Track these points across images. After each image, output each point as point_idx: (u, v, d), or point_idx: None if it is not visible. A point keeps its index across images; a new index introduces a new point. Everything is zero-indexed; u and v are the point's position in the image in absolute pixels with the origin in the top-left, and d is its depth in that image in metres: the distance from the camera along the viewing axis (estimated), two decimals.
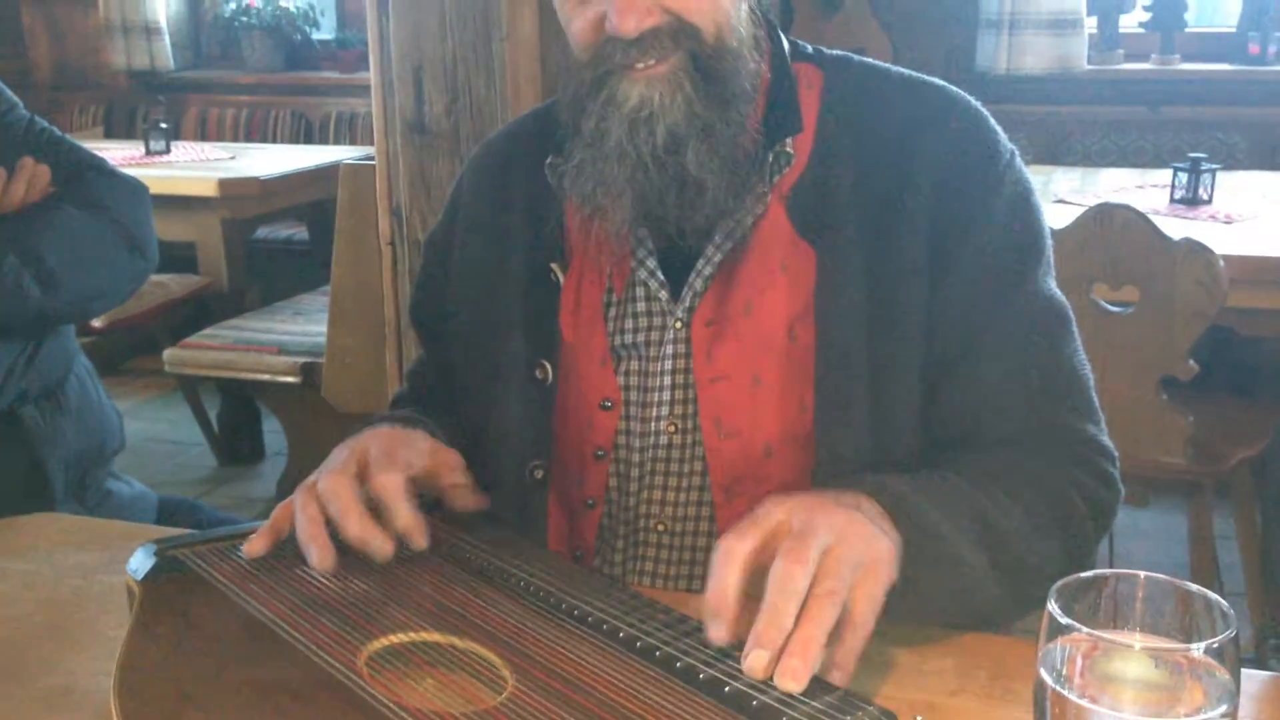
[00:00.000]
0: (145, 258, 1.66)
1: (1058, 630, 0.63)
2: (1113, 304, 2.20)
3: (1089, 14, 3.85)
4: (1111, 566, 2.68)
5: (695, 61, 1.01)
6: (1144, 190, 2.95)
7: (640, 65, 1.00)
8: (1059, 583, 0.65)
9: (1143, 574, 0.66)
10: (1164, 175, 2.92)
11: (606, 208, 1.04)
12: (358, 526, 0.95)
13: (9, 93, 1.66)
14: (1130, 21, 3.94)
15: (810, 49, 1.14)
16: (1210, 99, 3.75)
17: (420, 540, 0.98)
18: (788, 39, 1.13)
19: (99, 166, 1.67)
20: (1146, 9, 3.86)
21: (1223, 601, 0.63)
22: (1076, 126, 3.89)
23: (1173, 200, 2.77)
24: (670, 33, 1.00)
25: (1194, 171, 2.75)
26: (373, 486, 0.97)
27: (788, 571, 0.78)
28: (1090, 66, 3.86)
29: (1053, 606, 0.64)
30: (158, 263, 1.71)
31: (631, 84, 1.01)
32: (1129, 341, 2.16)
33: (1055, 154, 3.84)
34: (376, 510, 0.97)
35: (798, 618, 0.76)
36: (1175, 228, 2.28)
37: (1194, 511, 2.39)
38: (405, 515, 0.97)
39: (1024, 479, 1.01)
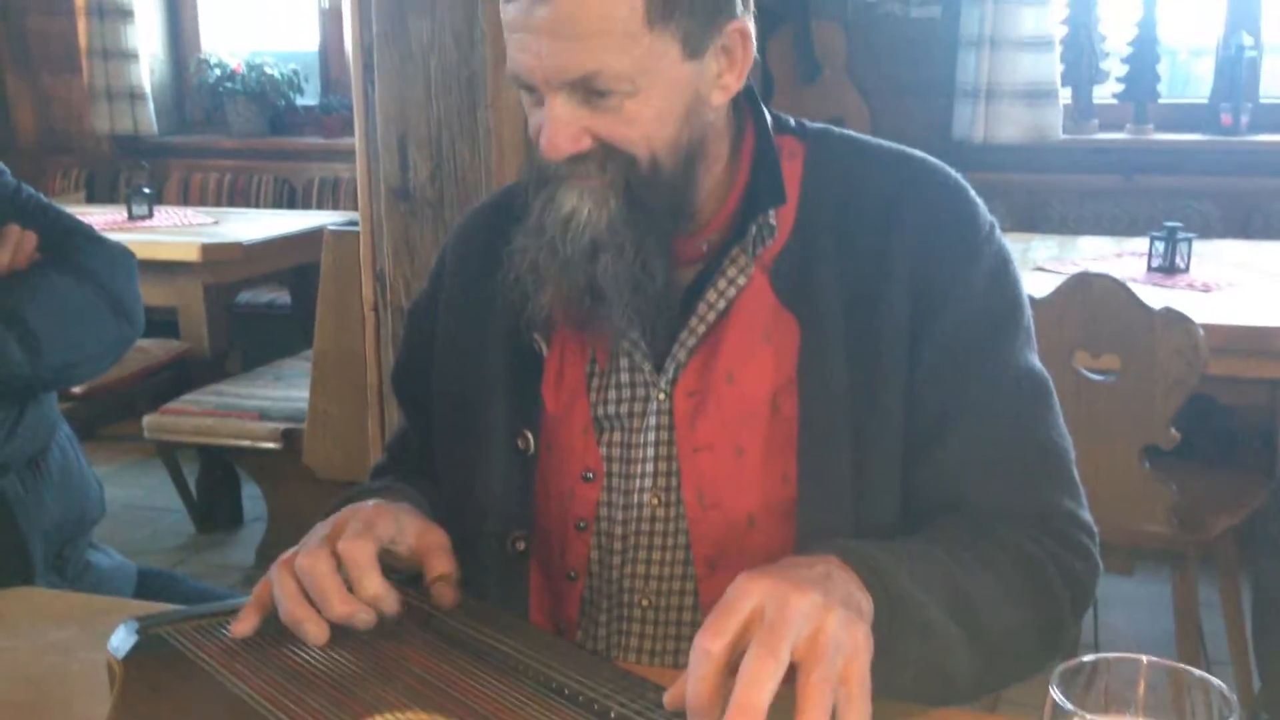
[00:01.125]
0: (131, 324, 1.66)
1: (1060, 715, 0.62)
2: (1094, 372, 2.22)
3: (1063, 84, 3.92)
4: (1096, 636, 2.68)
5: (626, 184, 1.03)
6: (1121, 258, 2.99)
7: (575, 177, 1.03)
8: (1061, 667, 0.65)
9: (1145, 659, 0.66)
10: (1140, 243, 2.96)
11: (534, 293, 1.07)
12: (339, 605, 0.94)
13: None
14: (1104, 92, 4.01)
15: (793, 122, 1.16)
16: (1184, 168, 3.81)
17: (391, 606, 0.96)
18: (770, 111, 1.14)
19: (85, 233, 1.67)
20: (1120, 80, 3.93)
21: (1224, 687, 0.63)
22: (1053, 195, 3.94)
23: (1150, 269, 2.80)
24: (599, 158, 1.02)
25: (1170, 240, 2.78)
26: (340, 553, 0.95)
27: (759, 669, 0.76)
28: (1065, 136, 3.92)
29: (1055, 691, 0.63)
30: (143, 329, 1.70)
31: (568, 191, 1.03)
32: (1111, 410, 2.17)
33: (1032, 222, 3.89)
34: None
35: (798, 709, 0.75)
36: (1154, 296, 2.30)
37: (1178, 580, 2.39)
38: (374, 584, 0.95)
39: (998, 549, 1.01)
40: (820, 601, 0.80)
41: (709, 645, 0.78)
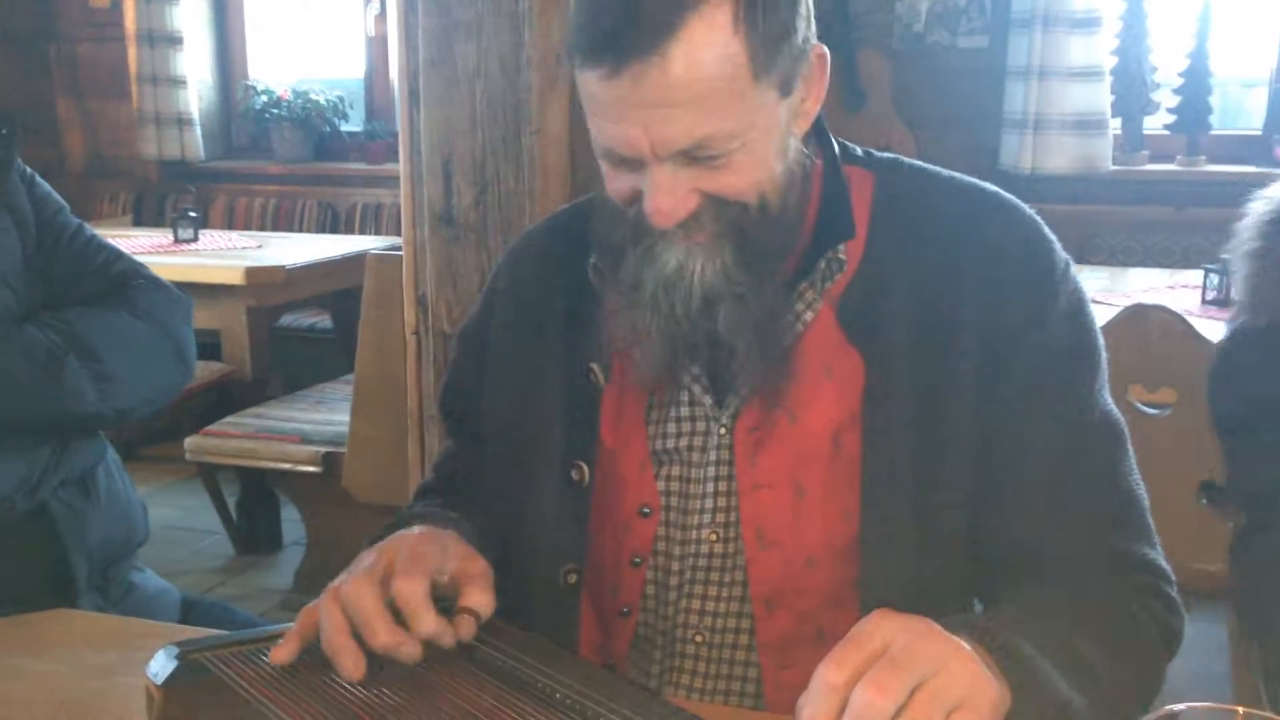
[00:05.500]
0: (187, 370, 1.67)
1: None
2: (1149, 406, 2.17)
3: (1113, 115, 3.88)
4: None
5: (736, 229, 0.98)
6: (1174, 290, 2.93)
7: (680, 234, 0.98)
8: (1147, 717, 0.62)
9: (1240, 710, 0.62)
10: (1194, 275, 2.91)
11: (638, 355, 1.03)
12: (384, 635, 0.91)
13: (57, 196, 1.67)
14: (1155, 123, 3.96)
15: (860, 151, 1.12)
16: (1236, 201, 3.71)
17: (448, 641, 0.93)
18: (838, 141, 1.11)
19: (148, 276, 1.68)
20: (1171, 111, 3.88)
21: None
22: (1102, 226, 3.89)
23: (1204, 301, 2.75)
24: (710, 212, 0.98)
25: (1225, 273, 2.73)
26: (395, 593, 0.93)
27: (869, 701, 0.72)
28: (1115, 167, 3.87)
29: None
30: (194, 377, 1.71)
31: (670, 248, 0.99)
32: (1167, 445, 2.12)
33: (1081, 253, 3.83)
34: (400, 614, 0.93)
35: None
36: (1209, 329, 2.25)
37: (1233, 620, 2.32)
38: (430, 623, 0.92)
39: (1098, 607, 0.97)
40: (954, 650, 0.77)
41: (832, 678, 0.75)
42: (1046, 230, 1.08)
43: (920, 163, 1.13)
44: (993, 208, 1.08)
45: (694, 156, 0.95)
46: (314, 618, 0.94)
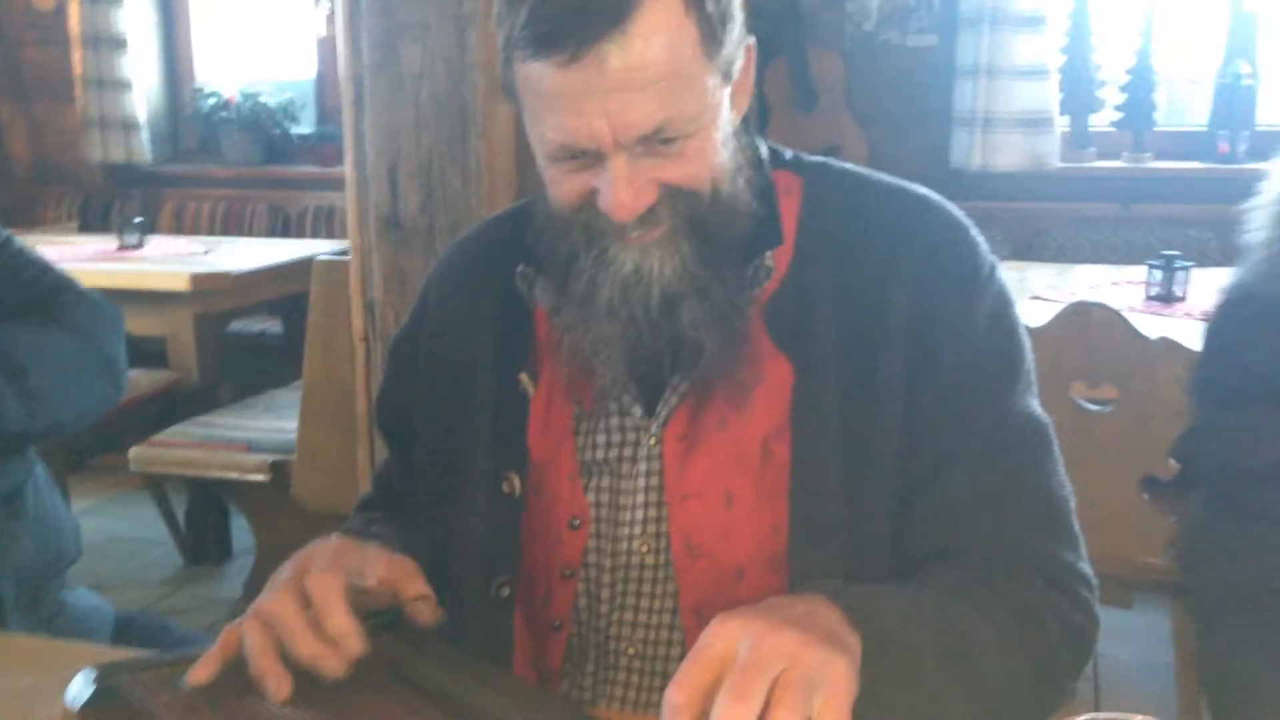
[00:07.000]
0: (116, 385, 1.64)
1: None
2: (1092, 402, 2.18)
3: (1061, 113, 3.91)
4: (1096, 669, 2.62)
5: (692, 221, 0.98)
6: (1119, 287, 2.96)
7: (635, 234, 0.98)
8: None
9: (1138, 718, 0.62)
10: (1139, 271, 2.93)
11: (598, 366, 1.02)
12: (306, 645, 0.89)
13: None
14: (1101, 120, 4.00)
15: (789, 155, 1.12)
16: (1181, 196, 3.79)
17: (356, 646, 0.91)
18: (767, 144, 1.11)
19: (75, 289, 1.65)
20: (1117, 108, 3.92)
21: None
22: (1050, 223, 3.92)
23: (1148, 297, 2.77)
24: (669, 205, 0.97)
25: (1168, 268, 2.76)
26: (307, 585, 0.92)
27: (730, 712, 0.72)
28: (1063, 164, 3.91)
29: None
30: (126, 392, 1.68)
31: (626, 249, 0.98)
32: (1109, 440, 2.14)
33: (1030, 250, 3.87)
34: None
35: None
36: (1152, 325, 2.27)
37: (1178, 612, 2.35)
38: (339, 616, 0.90)
39: (996, 597, 0.97)
40: (797, 638, 0.77)
41: (675, 699, 0.75)
42: (973, 233, 1.08)
43: (849, 165, 1.13)
44: (920, 211, 1.08)
45: (656, 142, 0.94)
46: (235, 637, 0.93)
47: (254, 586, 3.21)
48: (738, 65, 1.00)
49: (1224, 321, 1.04)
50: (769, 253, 1.05)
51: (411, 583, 0.97)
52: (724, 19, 0.96)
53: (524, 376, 1.09)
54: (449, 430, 1.14)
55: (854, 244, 1.05)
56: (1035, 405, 1.06)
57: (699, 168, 0.97)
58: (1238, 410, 1.00)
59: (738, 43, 0.99)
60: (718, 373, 1.01)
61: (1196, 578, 1.03)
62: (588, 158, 0.96)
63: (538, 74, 0.93)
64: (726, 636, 0.77)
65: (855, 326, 1.03)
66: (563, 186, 0.99)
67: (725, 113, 1.00)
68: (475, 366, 1.13)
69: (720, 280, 1.00)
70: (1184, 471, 1.12)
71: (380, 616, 0.97)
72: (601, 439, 1.08)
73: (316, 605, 0.91)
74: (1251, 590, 0.96)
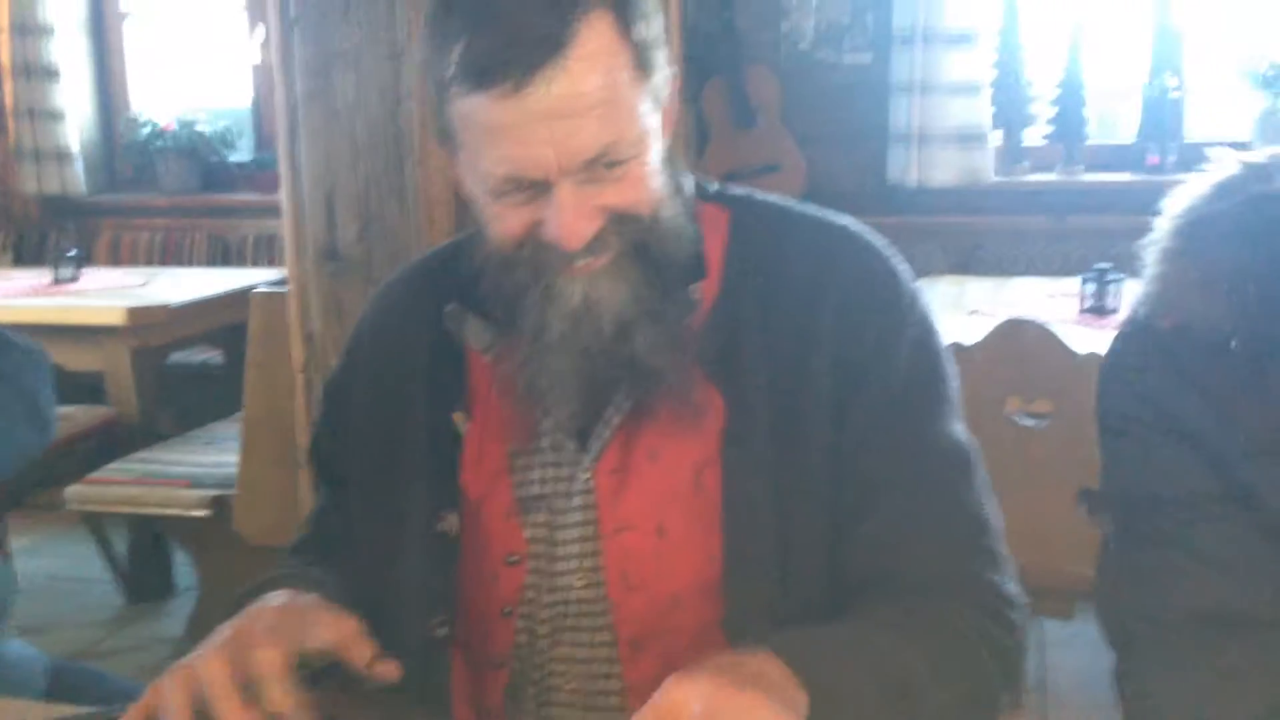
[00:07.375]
0: (43, 431, 1.62)
1: None
2: (1027, 417, 2.21)
3: (994, 128, 3.97)
4: (1045, 676, 2.65)
5: (636, 246, 0.99)
6: (1054, 299, 3.00)
7: (582, 262, 0.98)
8: None
9: None
10: (1074, 284, 2.98)
11: (552, 402, 1.02)
12: (231, 715, 0.89)
13: None
14: (1034, 135, 4.07)
15: (714, 188, 1.13)
16: (1113, 208, 3.85)
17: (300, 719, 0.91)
18: (692, 176, 1.12)
19: (3, 336, 1.62)
20: (1049, 122, 3.99)
21: None
22: (986, 237, 3.98)
23: (1082, 310, 2.82)
24: (613, 229, 0.98)
25: (1100, 281, 2.81)
26: (250, 664, 0.91)
27: None
28: (997, 178, 3.97)
29: None
30: (54, 437, 1.65)
31: (572, 281, 0.98)
32: (1044, 455, 2.17)
33: (966, 264, 3.92)
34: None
35: None
36: (1085, 338, 2.31)
37: None
38: (278, 696, 0.90)
39: (928, 628, 0.98)
40: (749, 699, 0.79)
41: None
42: (896, 262, 1.09)
43: (772, 196, 1.14)
44: (843, 241, 1.09)
45: (599, 166, 0.95)
46: (161, 692, 0.91)
47: (198, 624, 3.18)
48: (665, 93, 1.02)
49: (1120, 354, 1.07)
50: (695, 285, 1.05)
51: (359, 648, 0.96)
52: (653, 45, 0.98)
53: (457, 416, 1.09)
54: (383, 471, 1.13)
55: (780, 276, 1.07)
56: (960, 430, 1.07)
57: (640, 191, 0.99)
58: (1139, 440, 1.02)
59: (664, 69, 1.01)
60: (672, 396, 1.02)
61: (1111, 604, 1.06)
62: (533, 189, 0.96)
63: (480, 108, 0.94)
64: (680, 696, 0.79)
65: (783, 357, 1.04)
66: (507, 222, 0.99)
67: (658, 139, 1.01)
68: (408, 406, 1.12)
69: (670, 299, 1.01)
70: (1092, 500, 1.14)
71: (317, 662, 0.97)
72: (536, 475, 1.08)
73: (258, 683, 0.90)
74: (1163, 613, 0.99)
